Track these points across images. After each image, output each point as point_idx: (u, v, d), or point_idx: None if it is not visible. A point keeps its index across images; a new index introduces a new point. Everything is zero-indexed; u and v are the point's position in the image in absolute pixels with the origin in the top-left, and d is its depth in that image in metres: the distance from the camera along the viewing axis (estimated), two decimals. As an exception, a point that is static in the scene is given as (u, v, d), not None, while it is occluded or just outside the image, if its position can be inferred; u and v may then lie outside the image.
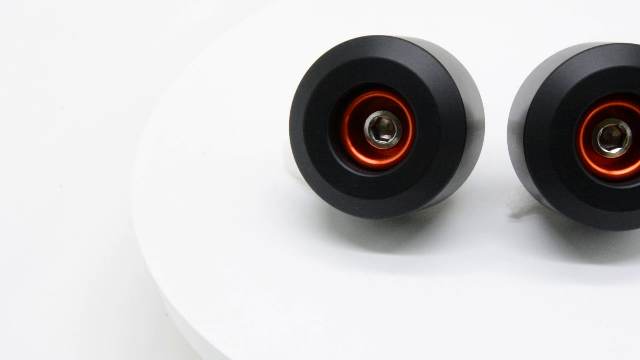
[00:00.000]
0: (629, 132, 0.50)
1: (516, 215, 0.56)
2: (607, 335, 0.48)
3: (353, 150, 0.52)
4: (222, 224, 0.56)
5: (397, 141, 0.51)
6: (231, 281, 0.52)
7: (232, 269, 0.53)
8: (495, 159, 0.58)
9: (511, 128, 0.53)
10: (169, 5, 0.92)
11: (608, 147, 0.50)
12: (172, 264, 0.54)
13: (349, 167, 0.51)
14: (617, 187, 0.49)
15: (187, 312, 0.50)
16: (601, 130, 0.50)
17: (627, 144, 0.50)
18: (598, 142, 0.50)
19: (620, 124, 0.50)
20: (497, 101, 0.57)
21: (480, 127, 0.53)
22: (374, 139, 0.51)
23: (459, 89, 0.49)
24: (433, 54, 0.49)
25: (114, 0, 0.91)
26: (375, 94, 0.51)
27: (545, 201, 0.50)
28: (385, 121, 0.51)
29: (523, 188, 0.55)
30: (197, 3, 0.92)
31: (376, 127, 0.52)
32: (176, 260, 0.54)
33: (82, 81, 0.84)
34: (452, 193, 0.54)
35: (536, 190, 0.50)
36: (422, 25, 0.70)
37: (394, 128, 0.51)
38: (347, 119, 0.52)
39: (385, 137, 0.52)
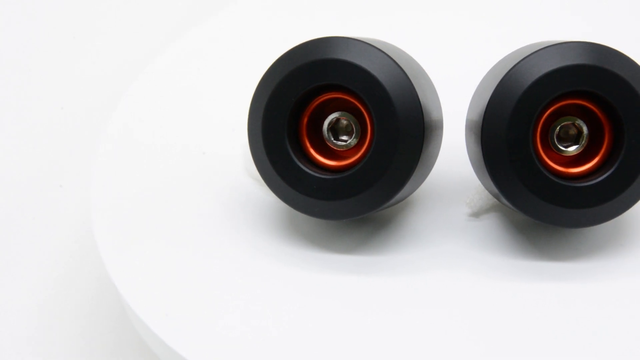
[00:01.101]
0: (585, 129, 0.50)
1: (476, 214, 0.56)
2: (567, 331, 0.48)
3: (312, 151, 0.52)
4: (182, 227, 0.56)
5: (355, 142, 0.51)
6: (192, 284, 0.52)
7: (193, 272, 0.53)
8: (454, 158, 0.58)
9: (469, 127, 0.53)
10: (128, 6, 0.91)
11: (565, 144, 0.50)
12: (132, 268, 0.53)
13: (308, 168, 0.51)
14: (574, 185, 0.49)
15: (147, 316, 0.50)
16: (558, 128, 0.50)
17: (583, 142, 0.50)
18: (555, 140, 0.50)
19: (577, 122, 0.50)
20: (455, 101, 0.57)
21: (438, 126, 0.53)
22: (332, 140, 0.51)
23: (417, 89, 0.49)
24: (390, 55, 0.49)
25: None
26: (334, 95, 0.51)
27: (503, 199, 0.50)
28: (344, 122, 0.51)
29: (482, 187, 0.56)
30: (157, 5, 0.92)
31: (335, 128, 0.52)
32: (136, 264, 0.53)
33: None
34: (411, 193, 0.54)
35: (495, 189, 0.50)
36: (379, 26, 0.71)
37: (352, 129, 0.51)
38: (305, 120, 0.52)
39: (344, 138, 0.52)
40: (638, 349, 0.47)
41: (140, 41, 0.88)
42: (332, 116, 0.51)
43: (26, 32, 0.87)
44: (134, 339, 0.65)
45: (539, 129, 0.50)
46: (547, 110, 0.50)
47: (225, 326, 0.49)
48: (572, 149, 0.50)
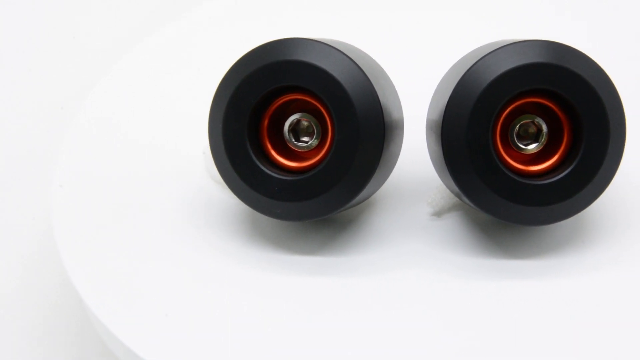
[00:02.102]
0: (544, 127, 0.50)
1: (437, 214, 0.56)
2: (530, 328, 0.48)
3: (273, 153, 0.52)
4: (144, 230, 0.55)
5: (317, 143, 0.51)
6: (153, 287, 0.52)
7: (154, 275, 0.52)
8: (415, 158, 0.58)
9: (429, 127, 0.53)
10: (91, 8, 0.91)
11: (525, 143, 0.51)
12: (93, 271, 0.53)
13: (270, 170, 0.51)
14: (534, 183, 0.49)
15: (109, 320, 0.50)
16: (517, 126, 0.50)
17: (543, 140, 0.50)
18: (515, 139, 0.50)
19: (536, 120, 0.50)
20: (416, 100, 0.57)
21: (399, 126, 0.54)
22: (293, 142, 0.51)
23: (377, 90, 0.49)
24: (350, 56, 0.49)
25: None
26: (294, 97, 0.51)
27: (465, 198, 0.50)
28: (305, 123, 0.51)
29: (444, 186, 0.56)
30: (122, 6, 0.91)
31: (296, 130, 0.52)
32: (97, 267, 0.53)
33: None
34: (373, 193, 0.54)
35: (455, 188, 0.50)
36: (339, 27, 0.71)
37: (313, 130, 0.51)
38: (266, 122, 0.52)
39: (305, 139, 0.52)
40: (600, 343, 0.47)
41: (104, 44, 0.87)
42: (293, 117, 0.51)
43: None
44: (94, 341, 0.64)
45: (498, 128, 0.50)
46: (506, 109, 0.50)
47: (186, 328, 0.49)
48: (532, 147, 0.51)
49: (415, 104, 0.57)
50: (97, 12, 0.89)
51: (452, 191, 0.53)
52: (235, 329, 0.49)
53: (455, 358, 0.47)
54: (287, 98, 0.51)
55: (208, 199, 0.57)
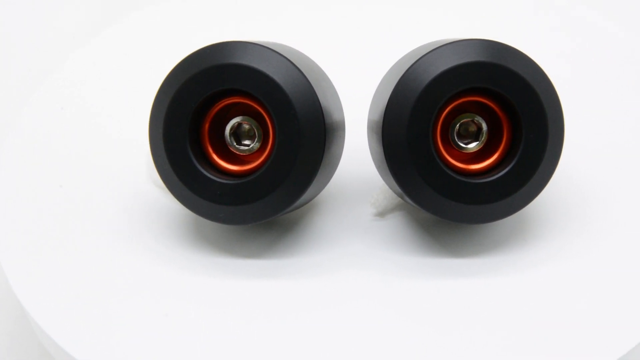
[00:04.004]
0: (484, 126, 0.51)
1: (381, 214, 0.56)
2: (474, 326, 0.49)
3: (215, 157, 0.52)
4: (85, 237, 0.55)
5: (258, 146, 0.51)
6: (97, 294, 0.51)
7: (96, 283, 0.52)
8: (357, 158, 0.58)
9: (371, 127, 0.54)
10: (29, 14, 0.90)
11: (465, 141, 0.51)
12: (34, 279, 0.52)
13: (211, 174, 0.51)
14: (475, 181, 0.50)
15: (50, 327, 0.49)
16: (458, 125, 0.51)
17: (483, 138, 0.51)
18: (455, 137, 0.51)
19: (476, 119, 0.51)
20: (357, 102, 0.57)
21: (340, 128, 0.54)
22: (235, 145, 0.51)
23: (317, 92, 0.49)
24: (289, 58, 0.49)
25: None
26: (235, 100, 0.51)
27: (407, 198, 0.50)
28: (246, 127, 0.51)
29: (386, 187, 0.56)
30: (54, 16, 0.91)
31: (237, 133, 0.51)
32: (38, 274, 0.52)
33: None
34: (316, 195, 0.54)
35: (398, 188, 0.50)
36: (278, 29, 0.71)
37: (254, 133, 0.51)
38: (207, 126, 0.52)
39: (247, 142, 0.51)
40: (543, 338, 0.47)
41: (42, 50, 0.87)
42: (234, 121, 0.51)
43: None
44: (33, 345, 0.64)
45: (439, 127, 0.50)
46: (446, 108, 0.50)
47: (129, 335, 0.49)
48: (472, 145, 0.51)
49: (356, 105, 0.57)
50: (34, 16, 0.89)
51: (394, 191, 0.53)
52: (179, 335, 0.49)
53: (401, 356, 0.47)
54: (228, 101, 0.51)
55: (150, 205, 0.57)
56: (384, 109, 0.49)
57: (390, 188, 0.54)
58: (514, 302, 0.50)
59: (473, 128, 0.51)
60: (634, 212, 0.55)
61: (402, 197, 0.52)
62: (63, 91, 0.67)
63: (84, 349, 0.48)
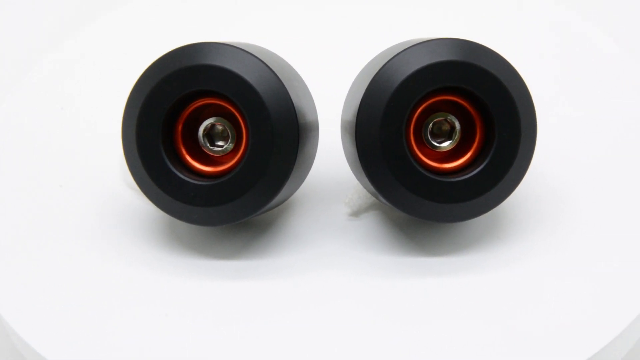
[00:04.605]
0: (457, 125, 0.51)
1: (355, 214, 0.56)
2: (450, 324, 0.49)
3: (188, 158, 0.52)
4: (58, 239, 0.55)
5: (232, 147, 0.51)
6: (69, 296, 0.51)
7: (70, 285, 0.52)
8: (331, 159, 0.59)
9: (344, 127, 0.54)
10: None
11: (438, 140, 0.51)
12: (6, 282, 0.52)
13: (185, 175, 0.51)
14: (448, 180, 0.50)
15: (22, 329, 0.49)
16: (431, 124, 0.51)
17: (456, 137, 0.51)
18: (429, 136, 0.51)
19: (449, 118, 0.51)
20: (330, 102, 0.57)
21: (313, 128, 0.54)
22: (208, 146, 0.51)
23: (290, 92, 0.49)
24: (262, 59, 0.49)
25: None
26: (208, 101, 0.51)
27: (381, 198, 0.50)
28: (219, 128, 0.51)
29: (360, 186, 0.56)
30: (25, 20, 0.90)
31: (210, 134, 0.51)
32: (10, 277, 0.52)
33: None
34: (290, 195, 0.54)
35: (371, 188, 0.50)
36: (251, 30, 0.71)
37: (228, 134, 0.51)
38: (180, 127, 0.51)
39: (220, 143, 0.51)
40: (516, 336, 0.48)
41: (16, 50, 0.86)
42: (207, 122, 0.51)
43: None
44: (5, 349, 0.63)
45: (412, 126, 0.51)
46: (419, 107, 0.50)
47: (101, 337, 0.48)
48: (446, 144, 0.51)
49: (329, 105, 0.57)
50: (10, 17, 0.88)
51: (368, 191, 0.53)
52: (152, 337, 0.48)
53: (376, 355, 0.47)
54: (201, 102, 0.51)
55: (124, 207, 0.57)
56: (357, 109, 0.49)
57: (365, 187, 0.54)
58: (488, 299, 0.50)
59: (446, 127, 0.51)
60: (604, 210, 0.56)
61: (376, 197, 0.52)
62: (36, 93, 0.67)
63: (56, 350, 0.48)
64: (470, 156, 0.51)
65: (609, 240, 0.53)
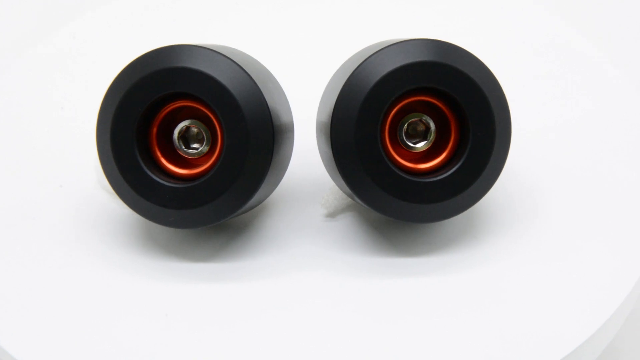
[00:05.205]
0: (432, 125, 0.51)
1: (331, 215, 0.56)
2: (427, 324, 0.49)
3: (163, 161, 0.52)
4: (32, 243, 0.54)
5: (207, 149, 0.51)
6: (43, 300, 0.51)
7: (44, 288, 0.51)
8: (307, 160, 0.59)
9: (319, 129, 0.54)
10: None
11: (414, 141, 0.51)
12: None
13: (160, 178, 0.50)
14: (423, 180, 0.50)
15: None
16: (406, 125, 0.51)
17: (431, 138, 0.51)
18: (404, 137, 0.51)
19: (424, 118, 0.51)
20: (306, 103, 0.57)
21: (289, 130, 0.54)
22: (183, 149, 0.51)
23: (264, 94, 0.49)
24: (236, 61, 0.49)
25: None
26: (183, 104, 0.51)
27: (357, 198, 0.50)
28: (194, 130, 0.51)
29: (336, 187, 0.56)
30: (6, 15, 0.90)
31: (185, 137, 0.51)
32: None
33: None
34: (266, 197, 0.54)
35: (347, 189, 0.50)
36: (225, 32, 0.70)
37: (203, 136, 0.51)
38: (155, 129, 0.51)
39: (195, 145, 0.51)
40: (494, 334, 0.48)
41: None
42: (182, 124, 0.51)
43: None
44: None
45: (387, 127, 0.51)
46: (394, 108, 0.51)
47: (79, 342, 0.48)
48: (421, 145, 0.51)
49: (305, 106, 0.57)
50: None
51: (344, 192, 0.53)
52: (129, 341, 0.48)
53: (353, 355, 0.47)
54: (176, 105, 0.51)
55: (100, 211, 0.57)
56: (332, 110, 0.49)
57: (340, 189, 0.54)
58: (464, 299, 0.50)
59: (421, 127, 0.51)
60: (576, 208, 0.56)
61: (352, 198, 0.52)
62: (11, 95, 0.66)
63: (28, 353, 0.48)
64: (445, 156, 0.51)
65: (582, 238, 0.54)
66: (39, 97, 0.66)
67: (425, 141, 0.51)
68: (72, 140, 0.62)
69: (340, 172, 0.50)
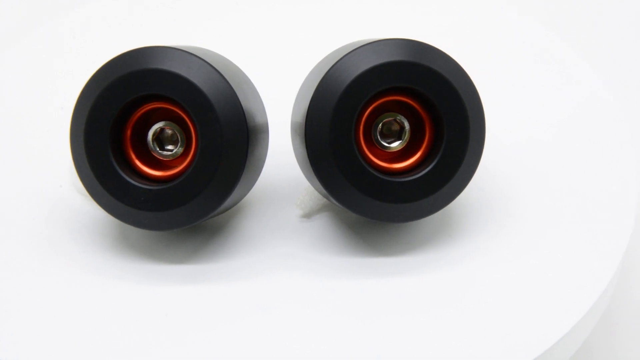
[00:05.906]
0: (407, 125, 0.51)
1: (307, 215, 0.56)
2: (404, 324, 0.49)
3: (137, 163, 0.51)
4: (6, 246, 0.54)
5: (181, 151, 0.51)
6: (17, 304, 0.50)
7: (18, 292, 0.51)
8: (282, 161, 0.58)
9: (294, 129, 0.54)
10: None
11: (388, 141, 0.51)
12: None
13: (134, 180, 0.50)
14: (398, 180, 0.50)
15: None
16: (380, 124, 0.51)
17: (406, 137, 0.51)
18: (378, 137, 0.51)
19: (398, 118, 0.51)
20: (280, 104, 0.57)
21: (263, 130, 0.54)
22: (158, 150, 0.51)
23: (238, 95, 0.49)
24: (210, 62, 0.49)
25: None
26: (157, 105, 0.51)
27: (332, 199, 0.50)
28: (169, 132, 0.51)
29: (312, 188, 0.56)
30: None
31: (160, 138, 0.51)
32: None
33: None
34: (241, 198, 0.54)
35: (322, 189, 0.50)
36: (199, 33, 0.70)
37: (177, 138, 0.51)
38: (129, 132, 0.51)
39: (170, 147, 0.51)
40: (470, 333, 0.48)
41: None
42: (156, 126, 0.51)
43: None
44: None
45: (361, 127, 0.51)
46: (368, 108, 0.51)
47: (52, 347, 0.48)
48: (395, 144, 0.51)
49: (279, 107, 0.57)
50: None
51: (319, 192, 0.53)
52: (105, 344, 0.48)
53: (329, 355, 0.47)
54: (150, 107, 0.51)
55: (73, 213, 0.56)
56: (307, 111, 0.49)
57: (316, 189, 0.54)
58: (440, 297, 0.51)
59: (396, 127, 0.51)
60: (550, 208, 0.56)
61: (327, 198, 0.52)
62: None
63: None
64: (420, 156, 0.52)
65: (555, 238, 0.54)
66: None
67: (400, 141, 0.51)
68: (45, 142, 0.62)
69: (315, 173, 0.50)
